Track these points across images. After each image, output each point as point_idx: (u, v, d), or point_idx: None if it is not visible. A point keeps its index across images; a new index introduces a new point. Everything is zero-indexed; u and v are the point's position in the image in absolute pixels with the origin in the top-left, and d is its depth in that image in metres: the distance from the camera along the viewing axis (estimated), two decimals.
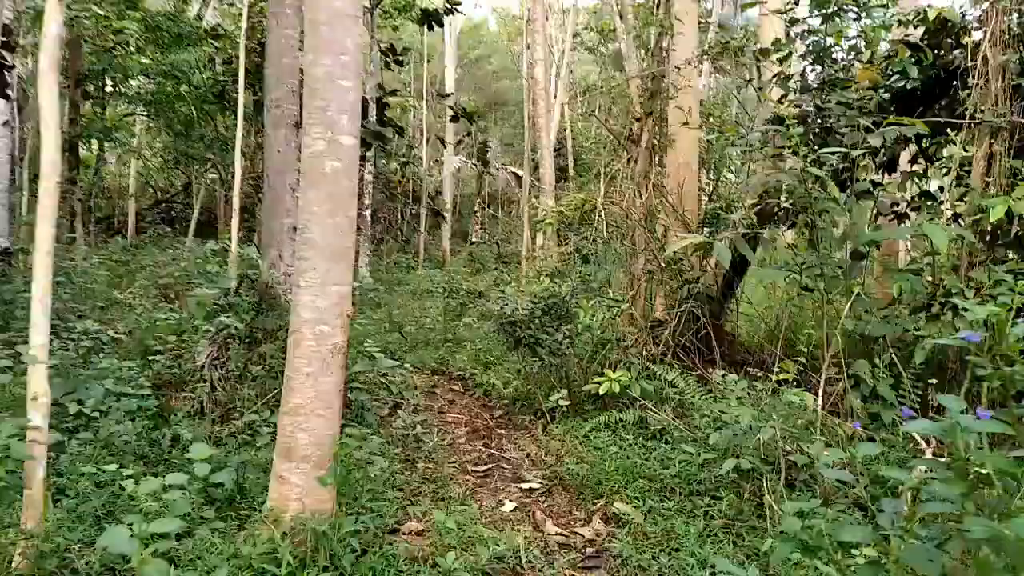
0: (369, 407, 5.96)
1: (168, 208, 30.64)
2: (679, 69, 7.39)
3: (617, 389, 5.63)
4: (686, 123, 7.19)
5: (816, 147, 5.02)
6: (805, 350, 4.99)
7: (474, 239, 28.19)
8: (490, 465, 5.37)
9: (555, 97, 25.86)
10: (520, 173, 31.74)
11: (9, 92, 10.81)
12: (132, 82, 23.38)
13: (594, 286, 6.69)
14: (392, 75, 27.28)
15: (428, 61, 30.87)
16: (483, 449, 5.71)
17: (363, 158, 20.07)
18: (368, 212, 18.34)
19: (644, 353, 6.26)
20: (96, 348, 6.53)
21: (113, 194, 32.32)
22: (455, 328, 9.54)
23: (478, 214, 32.77)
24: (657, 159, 8.01)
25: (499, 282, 9.44)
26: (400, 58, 19.26)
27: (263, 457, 4.63)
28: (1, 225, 12.70)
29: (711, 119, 11.49)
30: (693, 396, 5.65)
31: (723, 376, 4.63)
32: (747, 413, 3.97)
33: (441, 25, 20.88)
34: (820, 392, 4.71)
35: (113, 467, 3.68)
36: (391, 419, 6.09)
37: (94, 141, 23.49)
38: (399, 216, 29.55)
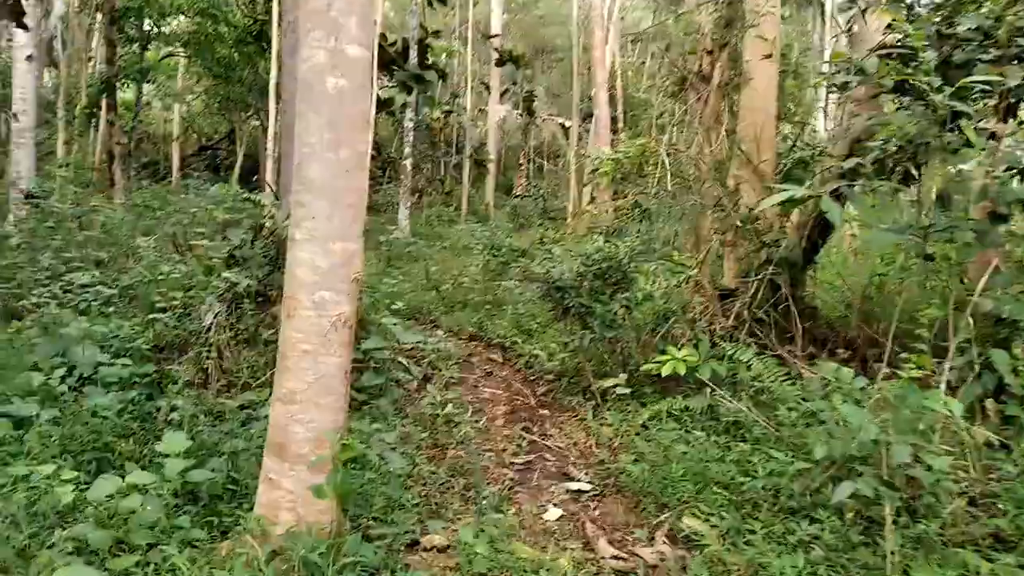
0: (394, 380, 5.20)
1: (213, 155, 30.21)
2: None
3: (682, 371, 4.74)
4: (769, 56, 6.08)
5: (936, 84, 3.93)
6: (922, 333, 4.02)
7: (519, 192, 27.15)
8: (531, 456, 4.58)
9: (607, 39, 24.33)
10: (568, 124, 30.38)
11: (27, 22, 10.14)
12: (171, 21, 22.73)
13: (655, 247, 5.74)
14: (435, 17, 26.09)
15: (474, 5, 29.48)
16: (523, 435, 4.90)
17: (404, 105, 19.15)
18: (408, 161, 17.49)
19: (713, 328, 5.33)
20: (96, 303, 5.89)
21: (158, 139, 32.11)
22: (496, 289, 8.71)
23: (523, 167, 31.69)
24: (729, 101, 6.93)
25: (545, 240, 8.52)
26: None
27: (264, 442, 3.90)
28: (27, 164, 12.20)
29: (784, 61, 10.20)
30: (774, 383, 4.74)
31: (836, 369, 3.68)
32: (869, 424, 3.05)
33: None
34: (942, 386, 3.76)
35: (49, 468, 2.95)
36: (419, 395, 5.32)
37: (132, 83, 23.02)
38: (441, 167, 28.66)
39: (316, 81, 2.91)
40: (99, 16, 21.35)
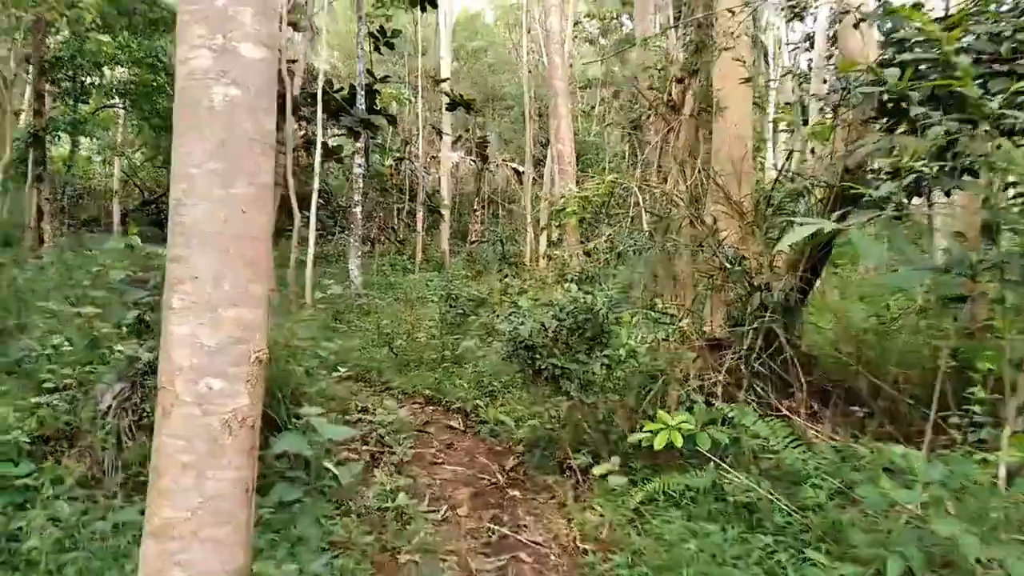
0: (320, 490, 4.31)
1: (157, 209, 28.93)
2: (733, 13, 5.73)
3: (679, 442, 3.98)
4: (747, 80, 5.53)
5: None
6: (976, 392, 3.36)
7: (474, 239, 26.56)
8: (504, 558, 3.72)
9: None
10: (521, 169, 30.06)
11: None
12: (107, 71, 21.78)
13: (633, 295, 5.03)
14: (384, 65, 25.67)
15: (423, 54, 29.22)
16: (493, 527, 4.05)
17: (354, 153, 18.43)
18: (359, 209, 16.69)
19: (705, 385, 4.61)
20: None
21: (98, 194, 30.66)
22: (454, 343, 7.89)
23: (478, 212, 31.22)
24: (703, 132, 6.37)
25: (508, 290, 7.76)
26: (391, 40, 17.60)
27: None
28: None
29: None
30: (784, 450, 4.02)
31: (902, 450, 2.94)
32: (966, 535, 2.31)
33: (435, 6, 19.20)
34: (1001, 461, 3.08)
35: None
36: (365, 483, 4.44)
37: (64, 137, 21.86)
38: (394, 214, 27.94)
39: (199, 92, 2.13)
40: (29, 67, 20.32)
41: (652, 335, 4.34)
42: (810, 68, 15.09)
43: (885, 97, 4.02)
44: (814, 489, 3.51)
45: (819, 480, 3.59)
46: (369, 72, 17.39)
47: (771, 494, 3.55)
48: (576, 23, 29.08)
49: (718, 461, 3.93)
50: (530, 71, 27.19)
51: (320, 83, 14.84)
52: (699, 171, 5.71)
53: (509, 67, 38.07)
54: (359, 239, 16.48)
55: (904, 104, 3.78)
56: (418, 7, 18.71)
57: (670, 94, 6.13)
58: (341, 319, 11.84)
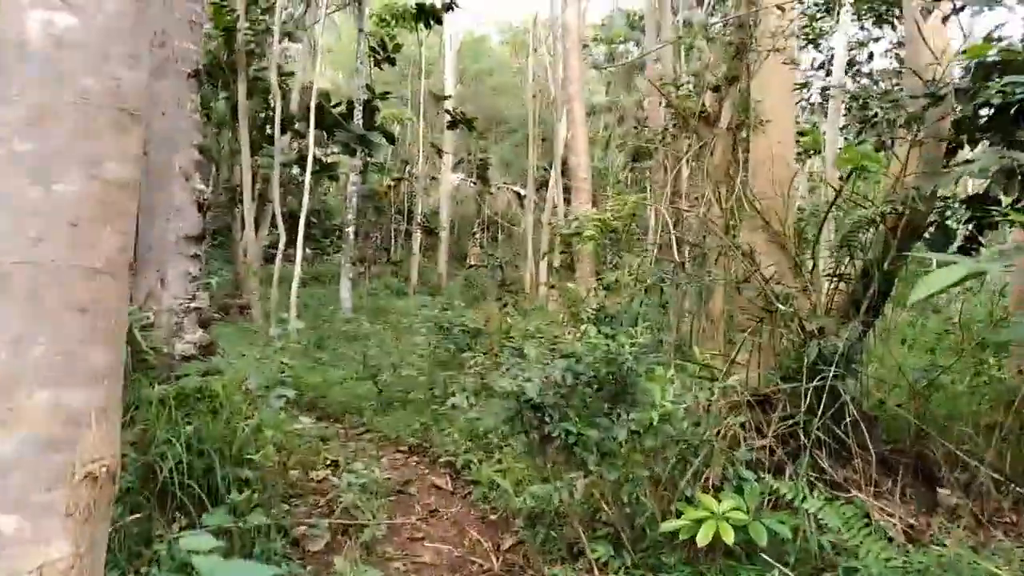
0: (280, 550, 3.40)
1: None
2: (783, 11, 4.91)
3: (730, 538, 3.07)
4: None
5: None
6: None
7: (473, 263, 25.72)
8: None
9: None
10: (523, 192, 29.33)
11: None
12: None
13: (664, 340, 4.12)
14: (388, 86, 25.02)
15: (427, 76, 28.60)
16: None
17: (349, 171, 17.66)
18: (351, 228, 15.81)
19: (755, 454, 3.70)
20: None
21: None
22: (447, 381, 6.97)
23: (477, 235, 30.47)
24: (739, 149, 5.53)
25: (508, 320, 6.85)
26: (392, 56, 16.89)
27: None
28: None
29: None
30: (861, 543, 3.13)
31: None
32: None
33: (440, 22, 18.54)
34: None
35: None
36: (325, 566, 3.51)
37: None
38: (391, 235, 27.14)
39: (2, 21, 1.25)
40: None
41: (690, 393, 3.45)
42: (824, 97, 14.33)
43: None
44: None
45: None
46: (368, 88, 16.67)
47: None
48: (584, 46, 28.55)
49: (780, 568, 3.01)
50: (534, 96, 26.58)
51: (314, 95, 14.09)
52: (738, 193, 4.86)
53: (513, 90, 37.58)
54: (349, 260, 15.62)
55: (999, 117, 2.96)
56: (422, 23, 18.08)
57: (704, 106, 5.29)
58: (324, 346, 10.93)
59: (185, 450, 3.48)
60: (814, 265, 5.09)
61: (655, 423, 3.40)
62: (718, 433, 3.53)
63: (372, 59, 17.17)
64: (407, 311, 13.98)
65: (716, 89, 5.30)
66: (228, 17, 14.79)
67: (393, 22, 20.42)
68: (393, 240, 27.15)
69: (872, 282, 4.49)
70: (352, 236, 15.74)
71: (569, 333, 4.73)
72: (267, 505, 3.76)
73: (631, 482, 3.40)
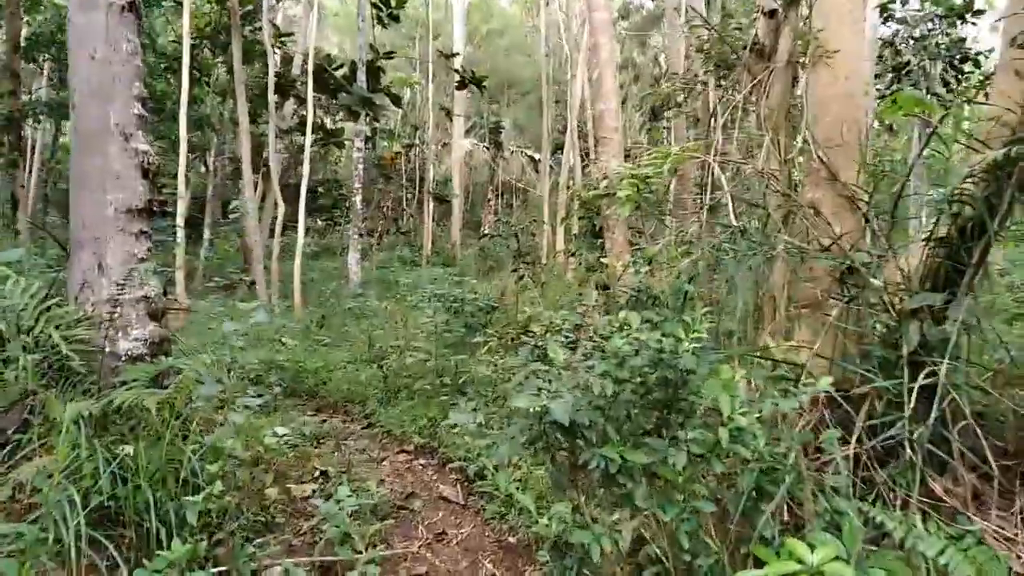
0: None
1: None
2: None
3: None
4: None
5: None
6: None
7: (487, 231, 24.80)
8: None
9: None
10: (537, 156, 28.22)
11: None
12: None
13: (736, 330, 3.21)
14: (393, 45, 23.96)
15: (435, 38, 27.34)
16: None
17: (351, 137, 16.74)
18: (358, 197, 14.92)
19: (851, 477, 2.85)
20: None
21: None
22: (458, 369, 6.16)
23: (491, 203, 29.49)
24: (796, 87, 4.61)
25: (527, 323, 5.96)
26: (395, 12, 15.80)
27: None
28: None
29: None
30: None
31: None
32: None
33: None
34: None
35: None
36: None
37: (47, 120, 20.41)
38: (402, 203, 26.24)
39: None
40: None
41: (767, 399, 2.61)
42: None
43: None
44: None
45: None
46: (372, 47, 15.64)
47: None
48: None
49: None
50: (547, 54, 25.30)
51: (311, 56, 13.13)
52: (804, 139, 3.94)
53: (525, 51, 36.17)
54: (357, 231, 14.78)
55: None
56: None
57: (756, 37, 4.34)
58: (328, 325, 10.18)
59: (113, 484, 2.71)
60: (893, 226, 4.18)
61: (723, 443, 2.56)
62: (805, 452, 2.69)
63: (375, 16, 16.10)
64: (418, 285, 13.19)
65: (771, 15, 4.34)
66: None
67: None
68: (404, 209, 26.26)
69: (979, 244, 3.59)
70: (359, 206, 14.88)
71: (597, 312, 3.89)
72: (227, 544, 2.99)
73: (690, 520, 2.58)
